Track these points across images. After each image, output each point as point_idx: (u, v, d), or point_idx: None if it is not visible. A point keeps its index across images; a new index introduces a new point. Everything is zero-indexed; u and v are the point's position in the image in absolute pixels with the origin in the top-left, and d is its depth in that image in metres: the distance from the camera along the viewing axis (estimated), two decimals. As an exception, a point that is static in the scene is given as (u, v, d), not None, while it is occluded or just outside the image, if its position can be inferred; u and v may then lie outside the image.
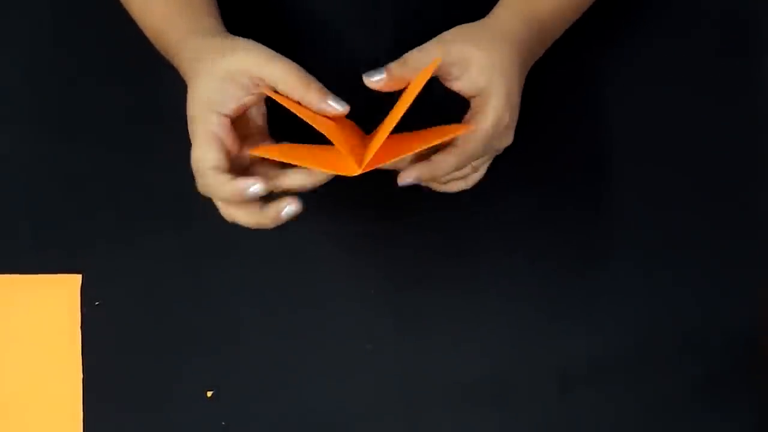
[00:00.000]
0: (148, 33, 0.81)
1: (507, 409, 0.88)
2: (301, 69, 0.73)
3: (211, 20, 0.77)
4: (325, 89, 0.72)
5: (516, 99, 0.75)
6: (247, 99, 0.73)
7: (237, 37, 0.75)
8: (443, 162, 0.73)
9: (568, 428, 0.88)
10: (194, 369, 0.88)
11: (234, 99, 0.72)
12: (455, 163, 0.74)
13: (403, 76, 0.73)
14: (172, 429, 0.88)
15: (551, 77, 0.88)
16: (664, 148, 0.90)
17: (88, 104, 0.89)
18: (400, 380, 0.88)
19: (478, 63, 0.74)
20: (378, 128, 0.74)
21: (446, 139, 0.73)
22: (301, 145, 0.75)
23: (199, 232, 0.88)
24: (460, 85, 0.75)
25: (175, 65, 0.78)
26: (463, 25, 0.76)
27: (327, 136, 0.71)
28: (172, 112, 0.88)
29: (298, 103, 0.73)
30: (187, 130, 0.87)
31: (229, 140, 0.73)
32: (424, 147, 0.72)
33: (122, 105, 0.89)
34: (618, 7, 0.89)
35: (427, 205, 0.86)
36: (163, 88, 0.88)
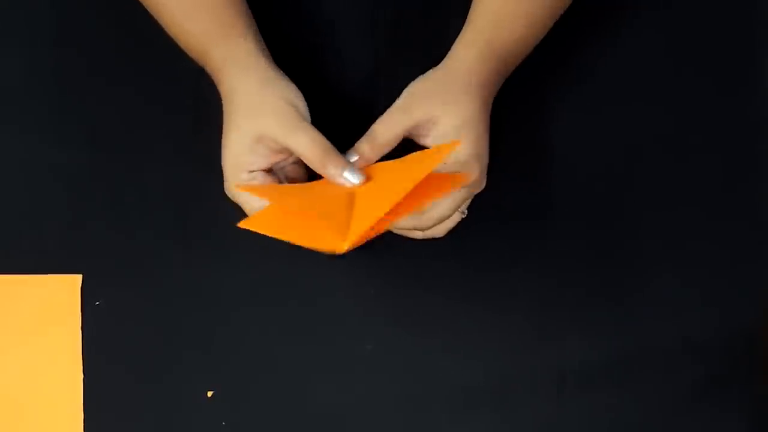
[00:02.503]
0: (189, 53, 0.82)
1: (506, 410, 0.88)
2: (324, 141, 0.75)
3: (248, 45, 0.79)
4: (343, 162, 0.74)
5: (485, 145, 0.77)
6: (277, 157, 0.76)
7: (272, 85, 0.77)
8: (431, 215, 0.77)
9: (567, 428, 0.88)
10: (194, 369, 0.88)
11: (263, 158, 0.76)
12: (449, 209, 0.78)
13: (376, 151, 0.75)
14: (172, 429, 0.88)
15: (552, 75, 0.88)
16: (663, 148, 0.90)
17: (88, 104, 0.89)
18: (400, 380, 0.88)
19: (444, 120, 0.76)
20: (365, 201, 0.74)
21: (434, 197, 0.75)
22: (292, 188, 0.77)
23: (199, 232, 0.88)
24: (429, 141, 0.77)
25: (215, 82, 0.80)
26: (427, 79, 0.78)
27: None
28: (172, 112, 0.89)
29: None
30: (187, 131, 0.88)
31: (267, 180, 0.77)
32: (410, 212, 0.74)
33: (122, 105, 0.89)
34: (616, 5, 0.89)
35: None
36: (163, 88, 0.88)
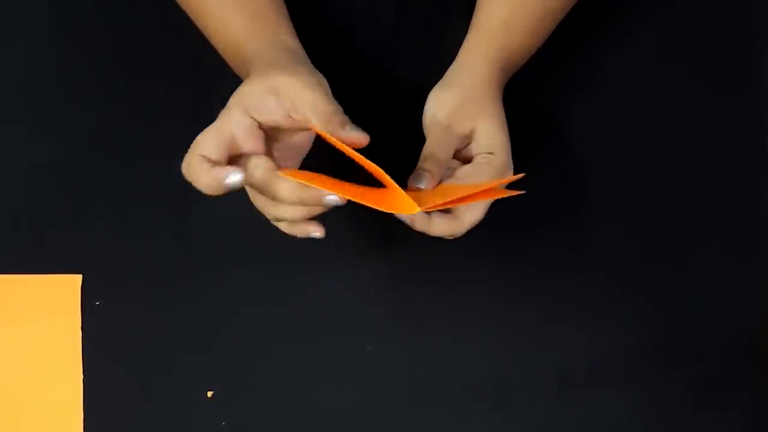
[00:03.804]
0: (223, 42, 0.80)
1: (506, 409, 0.88)
2: (333, 102, 0.72)
3: (289, 39, 0.79)
4: (347, 120, 0.72)
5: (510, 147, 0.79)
6: (283, 120, 0.72)
7: (307, 65, 0.76)
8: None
9: (567, 428, 0.88)
10: (194, 369, 0.88)
11: (268, 112, 0.72)
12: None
13: (441, 167, 0.76)
14: (172, 429, 0.88)
15: (552, 79, 0.88)
16: (663, 148, 0.90)
17: (88, 104, 0.89)
18: (400, 380, 0.88)
19: (481, 132, 0.77)
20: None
21: (494, 194, 0.75)
22: (338, 180, 0.74)
23: (199, 232, 0.88)
24: (472, 152, 0.78)
25: (242, 75, 0.78)
26: (451, 89, 0.79)
27: (376, 175, 0.71)
28: (172, 112, 0.89)
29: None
30: (187, 131, 0.87)
31: (247, 144, 0.72)
32: (475, 199, 0.74)
33: (122, 105, 0.89)
34: (615, 6, 0.89)
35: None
36: (163, 88, 0.88)
